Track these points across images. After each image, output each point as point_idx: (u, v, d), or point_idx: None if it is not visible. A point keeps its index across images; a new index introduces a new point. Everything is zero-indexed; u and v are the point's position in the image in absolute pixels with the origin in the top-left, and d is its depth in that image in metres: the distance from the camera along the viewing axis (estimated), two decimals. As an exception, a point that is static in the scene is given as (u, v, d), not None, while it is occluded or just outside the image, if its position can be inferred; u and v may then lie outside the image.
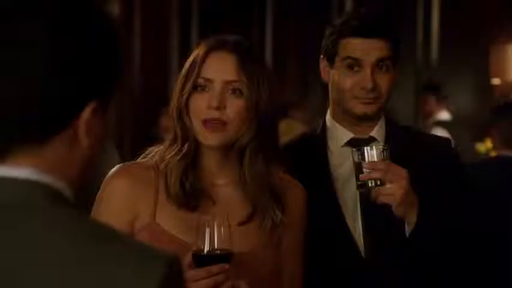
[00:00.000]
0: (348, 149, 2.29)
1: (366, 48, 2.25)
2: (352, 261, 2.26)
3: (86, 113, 1.08)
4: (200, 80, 2.00)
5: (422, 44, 8.28)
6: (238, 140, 2.00)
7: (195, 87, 2.01)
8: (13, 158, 1.07)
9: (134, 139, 8.11)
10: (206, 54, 2.01)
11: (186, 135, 2.02)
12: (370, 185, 2.12)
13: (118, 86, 1.13)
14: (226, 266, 1.87)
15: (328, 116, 2.37)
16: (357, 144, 2.28)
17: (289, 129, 5.64)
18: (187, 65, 2.04)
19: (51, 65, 1.05)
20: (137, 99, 8.39)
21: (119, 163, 2.11)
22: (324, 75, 2.34)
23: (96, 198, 2.02)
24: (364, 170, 2.12)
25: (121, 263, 1.00)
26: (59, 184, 1.08)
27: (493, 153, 4.13)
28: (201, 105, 1.99)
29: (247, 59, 2.01)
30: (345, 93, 2.26)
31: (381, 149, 2.15)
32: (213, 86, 1.99)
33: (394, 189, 2.10)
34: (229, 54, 2.01)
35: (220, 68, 2.00)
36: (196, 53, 2.04)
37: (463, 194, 2.34)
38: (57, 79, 1.06)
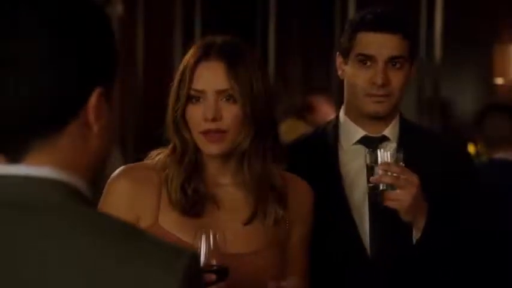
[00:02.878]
0: (359, 147, 2.30)
1: (379, 43, 2.24)
2: (357, 260, 2.26)
3: (93, 99, 1.09)
4: (192, 92, 1.99)
5: (426, 42, 8.26)
6: (239, 145, 2.00)
7: (189, 99, 2.00)
8: (31, 155, 1.08)
9: (137, 138, 8.11)
10: (195, 65, 2.00)
11: (186, 146, 2.02)
12: (381, 188, 2.11)
13: (117, 72, 1.15)
14: (212, 277, 1.87)
15: (341, 113, 2.36)
16: (369, 142, 2.29)
17: (292, 130, 5.63)
18: (178, 75, 2.03)
19: (53, 55, 1.07)
20: (140, 99, 8.39)
21: (122, 165, 2.11)
22: (339, 72, 2.34)
23: (100, 200, 2.03)
24: (379, 171, 2.10)
25: (148, 259, 1.03)
26: (79, 183, 1.09)
27: (483, 157, 4.14)
28: (197, 117, 1.99)
29: (237, 62, 1.99)
30: (357, 89, 2.26)
31: (396, 152, 2.13)
32: (206, 97, 1.98)
33: (402, 195, 2.09)
34: (217, 62, 1.99)
35: (210, 78, 1.99)
36: (186, 61, 2.02)
37: (476, 194, 2.34)
38: (60, 67, 1.07)
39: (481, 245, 2.30)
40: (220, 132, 1.98)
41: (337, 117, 2.36)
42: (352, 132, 2.32)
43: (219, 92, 1.97)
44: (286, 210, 2.07)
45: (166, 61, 8.51)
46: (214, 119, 1.97)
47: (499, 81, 8.26)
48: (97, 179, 1.16)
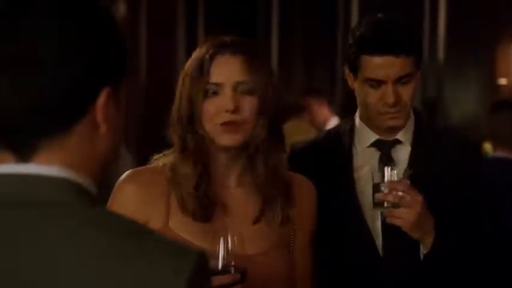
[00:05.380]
0: (372, 150, 2.32)
1: (385, 67, 2.24)
2: (369, 262, 2.27)
3: (102, 99, 1.10)
4: (210, 86, 1.99)
5: (429, 43, 8.27)
6: (252, 139, 2.00)
7: (205, 93, 2.00)
8: (40, 154, 1.08)
9: (140, 139, 8.12)
10: (211, 59, 2.00)
11: (199, 143, 2.01)
12: (385, 205, 2.15)
13: (126, 73, 1.16)
14: (238, 276, 1.87)
15: (357, 116, 2.38)
16: (382, 145, 2.31)
17: (295, 130, 5.64)
18: (190, 73, 2.02)
19: (59, 55, 1.07)
20: (143, 99, 8.41)
21: (132, 165, 2.10)
22: (349, 83, 2.35)
23: (108, 203, 2.02)
24: (383, 189, 2.14)
25: (156, 257, 1.03)
26: (86, 182, 1.10)
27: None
28: (215, 110, 1.98)
29: (252, 55, 2.01)
30: (369, 107, 2.29)
31: (402, 172, 2.17)
32: (225, 89, 1.98)
33: (406, 214, 2.13)
34: (234, 55, 2.01)
35: (229, 70, 2.00)
36: (198, 57, 2.02)
37: (488, 197, 2.35)
38: (70, 67, 1.08)
39: (492, 247, 2.31)
40: (239, 123, 1.99)
41: (353, 119, 2.39)
42: (365, 135, 2.34)
43: (238, 84, 1.99)
44: (292, 210, 2.07)
45: (169, 60, 8.52)
46: (234, 110, 1.97)
47: (502, 81, 8.26)
48: (105, 178, 1.16)
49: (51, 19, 1.08)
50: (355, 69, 2.30)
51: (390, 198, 2.13)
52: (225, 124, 1.98)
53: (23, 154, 1.08)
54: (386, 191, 2.14)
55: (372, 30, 2.27)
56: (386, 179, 2.15)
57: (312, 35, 8.85)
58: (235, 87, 1.99)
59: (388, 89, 2.24)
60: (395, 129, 2.32)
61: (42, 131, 1.08)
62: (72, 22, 1.09)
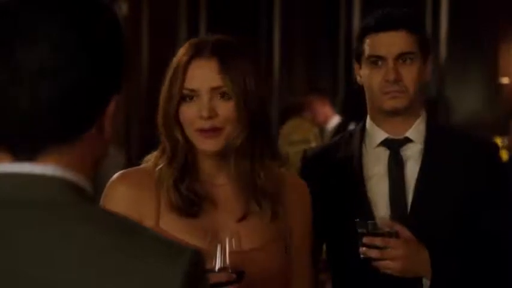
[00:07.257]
0: (381, 150, 2.34)
1: (386, 43, 2.28)
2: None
3: (111, 107, 1.11)
4: (186, 91, 2.00)
5: (431, 43, 8.27)
6: (233, 141, 1.99)
7: (182, 98, 2.00)
8: (42, 156, 1.08)
9: (141, 139, 8.13)
10: (187, 63, 2.00)
11: (176, 145, 2.02)
12: (370, 256, 2.15)
13: (127, 74, 1.17)
14: (234, 276, 1.88)
15: (368, 117, 2.39)
16: (391, 144, 2.31)
17: (297, 128, 5.63)
18: (169, 74, 2.02)
19: (87, 67, 1.08)
20: (144, 99, 8.41)
21: (124, 164, 2.11)
22: (357, 79, 2.38)
23: (99, 204, 2.02)
24: (365, 242, 2.14)
25: (153, 253, 1.04)
26: (83, 182, 1.10)
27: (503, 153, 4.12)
28: (191, 115, 1.99)
29: (229, 59, 2.00)
30: (373, 88, 2.30)
31: (384, 224, 2.15)
32: (200, 95, 1.99)
33: (392, 265, 2.15)
34: (209, 60, 2.00)
35: (204, 76, 1.99)
36: (178, 59, 2.02)
37: (503, 206, 2.33)
38: (94, 80, 1.08)
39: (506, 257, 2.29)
40: (216, 129, 1.98)
41: (364, 122, 2.40)
42: (375, 135, 2.35)
43: (213, 89, 1.98)
44: (282, 207, 2.06)
45: (171, 61, 8.52)
46: (209, 117, 1.97)
47: (504, 80, 8.26)
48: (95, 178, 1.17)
49: (68, 30, 1.07)
50: (359, 56, 2.33)
51: (372, 254, 2.14)
52: (201, 130, 1.98)
53: (24, 155, 1.08)
54: (364, 248, 2.14)
55: (374, 16, 2.34)
56: (368, 229, 2.14)
57: (313, 34, 8.85)
58: (210, 93, 1.98)
59: (389, 65, 2.26)
60: (398, 115, 2.31)
61: (53, 137, 1.08)
62: (89, 33, 1.09)
